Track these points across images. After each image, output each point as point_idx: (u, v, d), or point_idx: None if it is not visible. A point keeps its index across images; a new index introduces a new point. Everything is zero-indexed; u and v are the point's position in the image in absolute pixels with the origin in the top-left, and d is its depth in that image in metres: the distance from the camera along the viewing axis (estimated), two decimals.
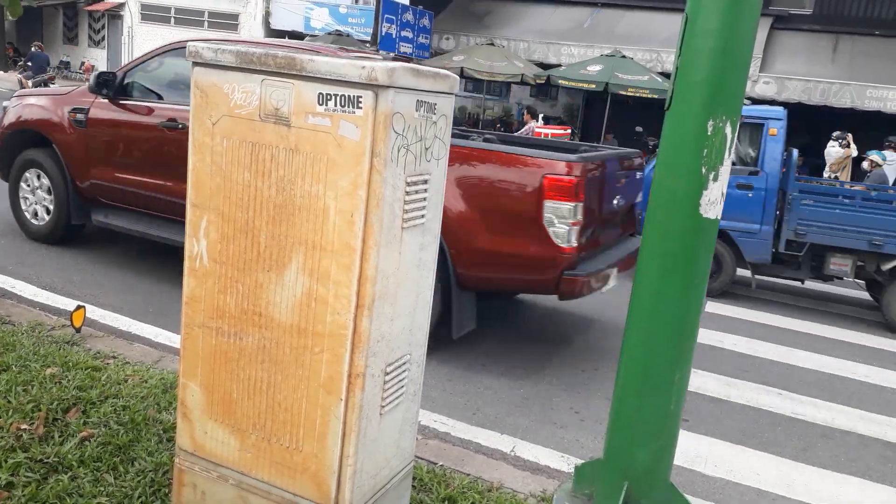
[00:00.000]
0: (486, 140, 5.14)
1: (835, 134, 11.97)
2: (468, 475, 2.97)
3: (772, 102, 15.13)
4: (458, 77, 2.16)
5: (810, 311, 6.99)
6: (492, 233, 4.22)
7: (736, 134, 2.03)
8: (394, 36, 15.17)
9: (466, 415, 3.80)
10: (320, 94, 1.83)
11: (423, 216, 2.06)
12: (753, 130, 7.06)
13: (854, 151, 12.13)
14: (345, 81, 1.80)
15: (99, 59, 25.50)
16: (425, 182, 2.04)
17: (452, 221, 4.17)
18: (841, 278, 7.07)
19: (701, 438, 3.88)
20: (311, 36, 20.02)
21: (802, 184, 6.97)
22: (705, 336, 5.55)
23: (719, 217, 2.08)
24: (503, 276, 4.39)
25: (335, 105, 1.82)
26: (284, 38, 22.43)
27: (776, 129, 6.91)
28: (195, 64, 1.99)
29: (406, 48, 15.65)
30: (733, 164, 7.42)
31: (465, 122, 17.69)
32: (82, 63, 23.24)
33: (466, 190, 4.24)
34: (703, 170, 1.98)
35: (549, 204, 4.02)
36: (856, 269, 6.80)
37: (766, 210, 6.85)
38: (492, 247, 4.23)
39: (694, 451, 3.69)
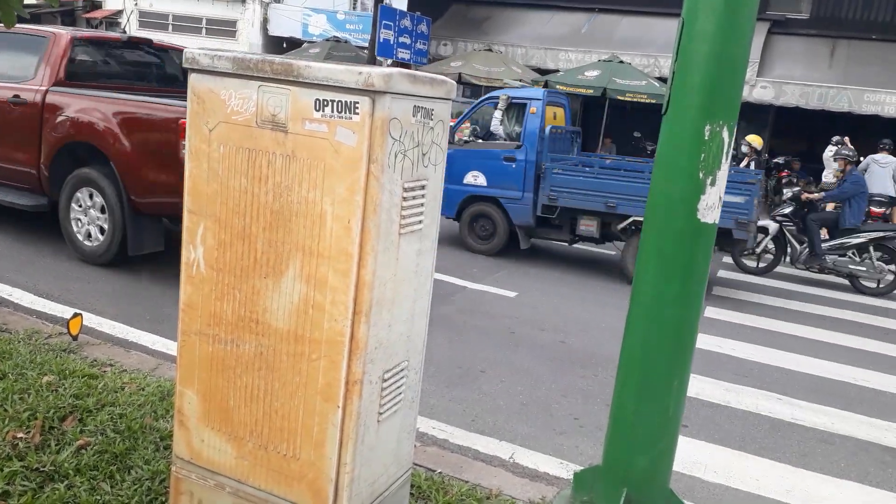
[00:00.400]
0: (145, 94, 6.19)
1: (834, 139, 11.99)
2: (467, 482, 2.96)
3: (769, 107, 15.21)
4: (454, 82, 2.15)
5: (809, 316, 6.99)
6: (151, 166, 5.22)
7: (733, 138, 2.03)
8: (391, 42, 15.19)
9: (465, 421, 3.78)
10: (317, 100, 1.83)
11: (420, 222, 2.06)
12: (518, 110, 7.98)
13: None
14: (341, 87, 1.80)
15: None
16: (422, 188, 2.04)
17: (123, 157, 5.27)
18: (592, 238, 7.93)
19: (700, 444, 3.86)
20: (309, 42, 20.08)
21: (554, 154, 7.92)
22: (704, 341, 5.54)
23: (717, 221, 2.07)
24: (164, 201, 5.26)
25: (332, 111, 1.82)
26: (283, 44, 22.51)
27: (535, 109, 7.80)
28: (192, 70, 1.99)
29: (404, 54, 15.67)
30: (501, 139, 8.02)
31: None
32: None
33: (132, 132, 5.25)
34: (701, 174, 1.98)
35: (183, 142, 4.55)
36: (600, 230, 7.72)
37: (526, 179, 7.80)
38: (152, 177, 5.22)
39: (693, 457, 3.68)
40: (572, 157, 8.40)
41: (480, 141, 8.30)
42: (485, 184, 8.05)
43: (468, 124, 8.61)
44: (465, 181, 8.15)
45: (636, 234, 7.23)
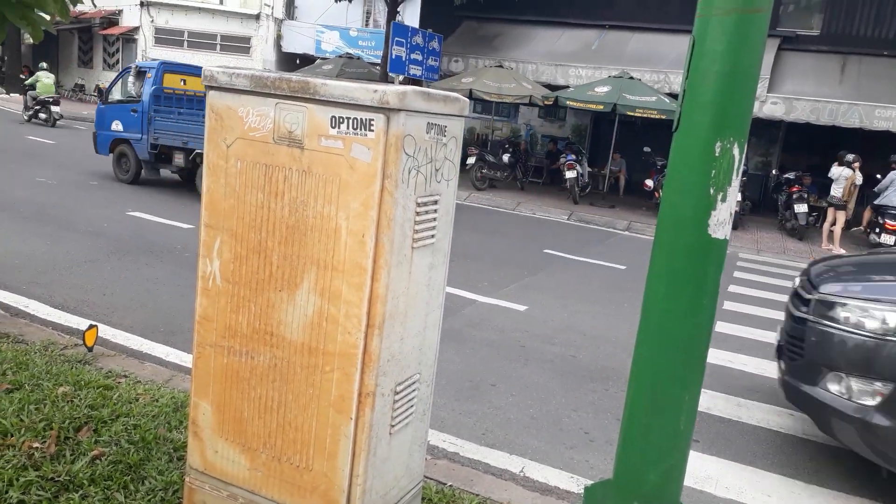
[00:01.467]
0: None
1: (849, 157, 11.97)
2: (477, 495, 2.96)
3: (780, 123, 15.20)
4: (467, 100, 2.19)
5: None
6: None
7: (744, 155, 2.04)
8: (403, 59, 15.33)
9: (476, 435, 3.79)
10: (333, 117, 1.87)
11: (432, 236, 2.09)
12: (141, 76, 11.09)
13: (859, 178, 12.18)
14: (357, 105, 1.84)
15: None
16: (435, 203, 2.07)
17: None
18: (180, 168, 10.80)
19: (711, 459, 3.85)
20: (322, 59, 20.29)
21: (157, 106, 10.82)
22: (715, 356, 5.52)
23: (728, 237, 2.09)
24: None
25: (347, 128, 1.86)
26: (296, 61, 22.74)
27: (151, 74, 10.93)
28: (210, 87, 2.04)
29: (416, 70, 15.80)
30: (133, 97, 11.29)
31: (473, 143, 17.80)
32: (96, 86, 23.59)
33: None
34: (711, 190, 1.99)
35: None
36: (186, 162, 10.54)
37: (143, 124, 10.80)
38: None
39: (704, 472, 3.66)
40: (173, 109, 11.16)
41: (118, 98, 11.52)
42: (122, 129, 11.15)
43: (119, 86, 11.76)
44: (112, 128, 11.28)
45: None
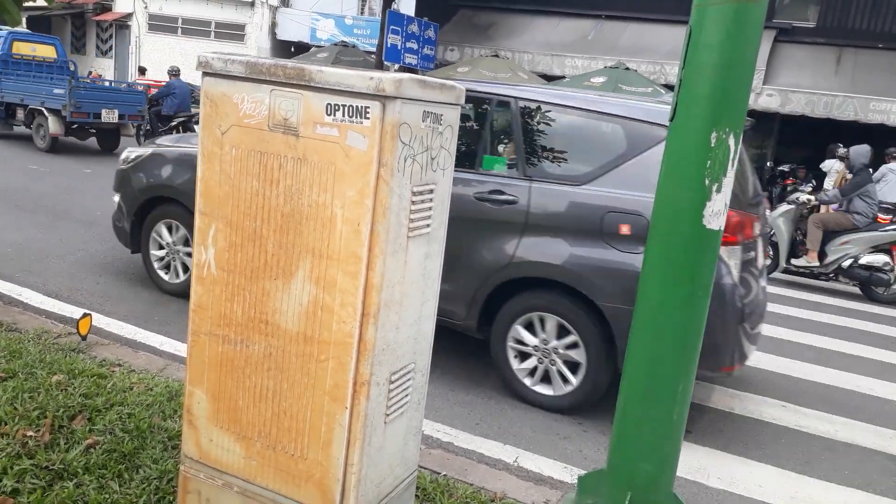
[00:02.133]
0: None
1: (841, 150, 11.99)
2: (471, 485, 2.97)
3: (775, 115, 15.21)
4: (464, 88, 2.18)
5: (813, 324, 6.99)
6: None
7: (740, 146, 2.05)
8: (399, 47, 15.26)
9: (469, 425, 3.80)
10: (328, 104, 1.86)
11: (428, 225, 2.08)
12: None
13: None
14: (353, 92, 1.82)
15: (106, 69, 25.68)
16: (431, 192, 2.06)
17: None
18: (26, 126, 12.78)
19: (704, 450, 3.87)
20: (317, 47, 20.17)
21: (3, 69, 12.79)
22: None
23: (723, 228, 2.09)
24: None
25: (343, 115, 1.85)
26: (291, 49, 22.61)
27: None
28: (205, 74, 2.02)
29: (411, 59, 15.74)
30: None
31: None
32: (89, 72, 23.42)
33: None
34: (707, 181, 2.00)
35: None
36: (26, 117, 12.59)
37: None
38: None
39: (696, 463, 3.68)
40: (21, 73, 13.03)
41: None
42: None
43: None
44: None
45: (38, 117, 12.36)
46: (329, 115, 1.86)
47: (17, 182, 8.85)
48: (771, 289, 8.21)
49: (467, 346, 5.01)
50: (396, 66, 15.31)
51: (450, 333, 4.60)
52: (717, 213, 2.04)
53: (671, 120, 2.06)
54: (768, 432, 4.23)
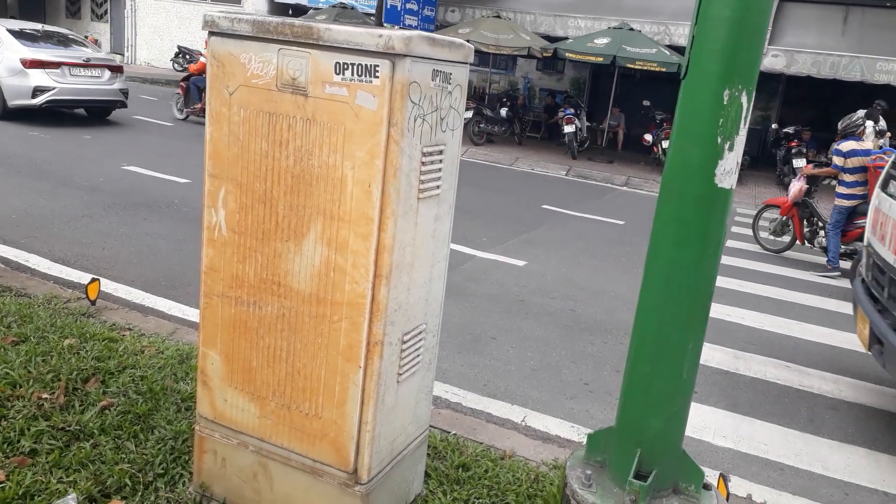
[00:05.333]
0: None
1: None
2: (481, 443, 3.02)
3: (780, 76, 15.02)
4: (472, 47, 2.15)
5: (817, 286, 7.00)
6: None
7: (752, 103, 2.02)
8: (398, 8, 15.02)
9: (477, 386, 3.84)
10: (337, 63, 1.84)
11: (438, 187, 2.08)
12: None
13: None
14: (362, 50, 1.80)
15: (102, 34, 25.32)
16: (440, 153, 2.05)
17: None
18: None
19: (709, 410, 3.92)
20: (315, 9, 19.83)
21: None
22: (713, 309, 5.53)
23: (734, 186, 2.08)
24: None
25: (352, 74, 1.82)
26: (288, 11, 22.23)
27: None
28: (212, 34, 1.99)
29: (411, 20, 15.50)
30: None
31: (471, 97, 17.56)
32: (85, 37, 23.11)
33: None
34: (719, 139, 1.98)
35: None
36: None
37: None
38: None
39: (702, 422, 3.73)
40: None
41: None
42: None
43: None
44: None
45: None
46: (338, 74, 1.84)
47: (18, 149, 8.80)
48: (789, 254, 8.21)
49: (473, 309, 5.04)
50: (396, 28, 15.08)
51: (456, 298, 4.62)
52: (728, 171, 2.03)
53: (683, 77, 2.03)
54: (773, 392, 4.27)
